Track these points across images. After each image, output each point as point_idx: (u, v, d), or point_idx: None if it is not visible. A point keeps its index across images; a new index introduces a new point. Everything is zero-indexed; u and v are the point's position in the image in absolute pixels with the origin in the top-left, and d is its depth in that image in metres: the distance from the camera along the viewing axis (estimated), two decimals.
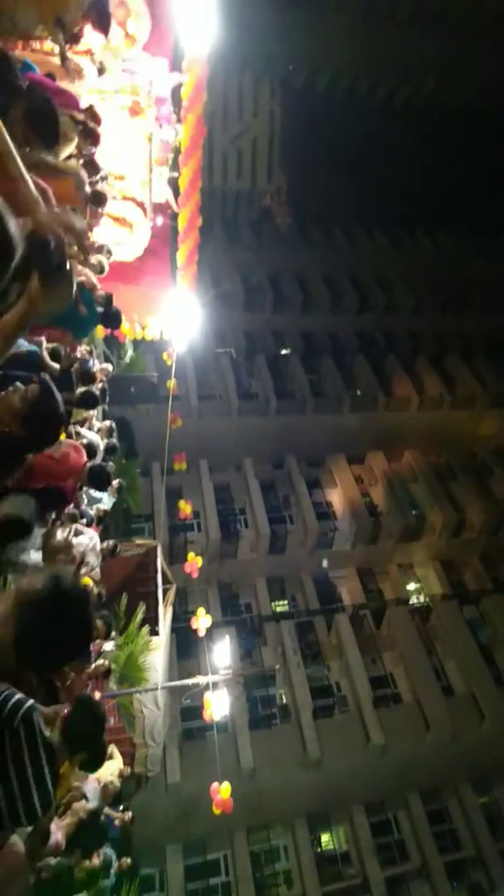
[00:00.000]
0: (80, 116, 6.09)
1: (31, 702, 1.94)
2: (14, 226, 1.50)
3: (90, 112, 6.39)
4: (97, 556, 6.88)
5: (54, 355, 5.61)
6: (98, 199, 5.87)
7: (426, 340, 30.13)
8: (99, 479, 5.15)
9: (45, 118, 3.36)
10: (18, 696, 1.92)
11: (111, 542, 8.27)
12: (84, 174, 5.21)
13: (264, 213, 34.15)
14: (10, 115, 3.22)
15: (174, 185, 9.41)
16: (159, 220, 9.67)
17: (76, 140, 5.98)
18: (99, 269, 7.07)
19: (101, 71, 6.69)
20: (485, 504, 24.89)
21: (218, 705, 10.76)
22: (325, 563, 23.28)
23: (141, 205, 9.07)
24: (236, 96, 32.27)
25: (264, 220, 33.86)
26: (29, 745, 1.86)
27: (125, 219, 8.95)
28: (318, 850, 18.10)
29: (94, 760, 2.64)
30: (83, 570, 6.09)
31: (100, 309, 6.41)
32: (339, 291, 29.86)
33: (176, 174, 9.37)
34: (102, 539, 7.55)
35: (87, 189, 5.41)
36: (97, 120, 6.44)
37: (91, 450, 5.52)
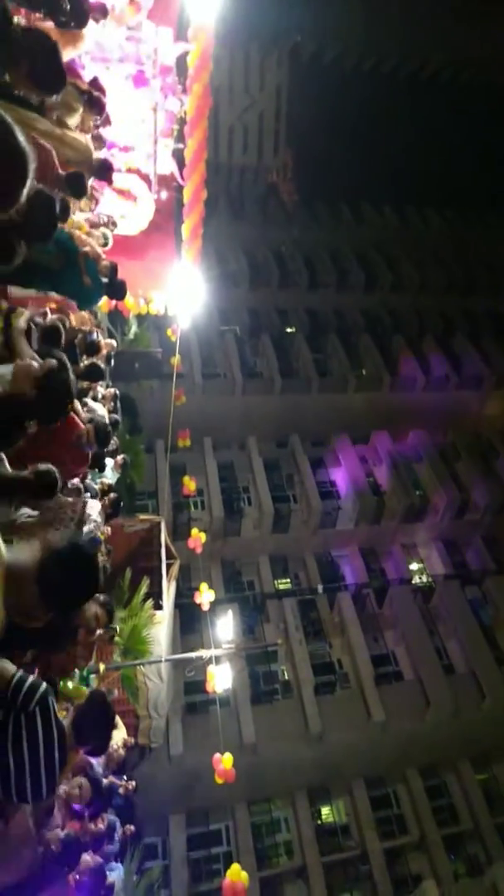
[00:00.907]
0: (84, 86, 6.02)
1: (45, 685, 2.06)
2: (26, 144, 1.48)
3: (94, 83, 6.30)
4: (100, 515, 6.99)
5: (57, 328, 5.58)
6: (103, 170, 5.77)
7: (433, 320, 29.84)
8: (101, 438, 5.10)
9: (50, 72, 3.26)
10: (32, 679, 2.03)
11: (113, 496, 8.29)
12: (92, 147, 5.13)
13: (270, 189, 33.64)
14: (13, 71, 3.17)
15: (179, 157, 9.27)
16: (164, 194, 9.56)
17: (80, 109, 5.91)
18: (103, 242, 7.03)
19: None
20: (489, 485, 24.86)
21: (221, 679, 10.89)
22: None
23: (146, 177, 8.95)
24: (243, 69, 31.59)
25: (270, 196, 33.34)
26: (44, 727, 1.99)
27: (130, 191, 8.86)
28: (319, 822, 18.41)
29: (100, 750, 2.72)
30: (90, 528, 6.20)
31: (104, 280, 6.38)
32: (346, 269, 29.50)
33: (181, 146, 9.22)
34: (111, 516, 7.61)
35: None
36: (101, 90, 6.36)
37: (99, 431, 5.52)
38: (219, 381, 24.21)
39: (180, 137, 9.23)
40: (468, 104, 33.69)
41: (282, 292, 28.24)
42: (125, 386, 14.10)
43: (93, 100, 6.04)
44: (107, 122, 7.31)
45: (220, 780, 9.58)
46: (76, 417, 4.70)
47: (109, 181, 5.73)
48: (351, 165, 31.93)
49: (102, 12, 5.95)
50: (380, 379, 26.00)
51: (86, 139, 5.40)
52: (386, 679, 20.15)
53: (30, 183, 1.53)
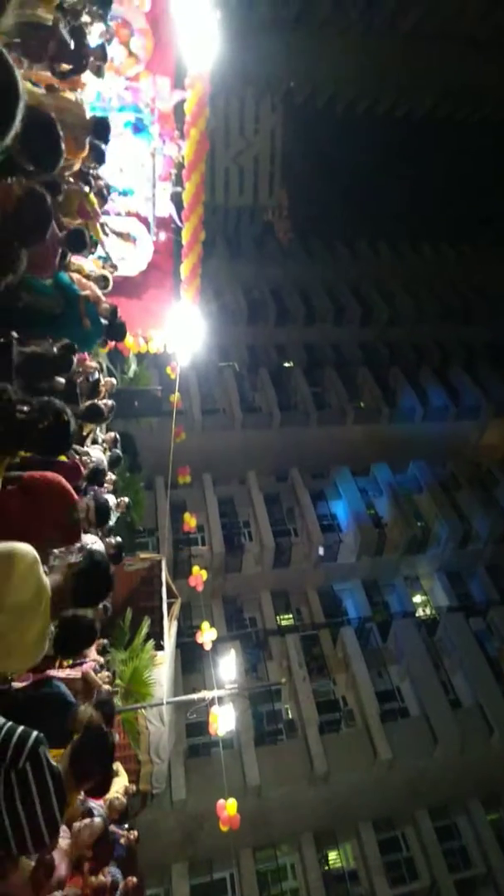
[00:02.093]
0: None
1: (35, 735, 2.03)
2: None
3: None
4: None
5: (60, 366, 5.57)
6: (101, 129, 5.73)
7: (429, 351, 30.20)
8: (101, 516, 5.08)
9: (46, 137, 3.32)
10: (20, 730, 2.00)
11: (116, 543, 8.20)
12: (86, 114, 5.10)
13: (266, 228, 34.51)
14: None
15: (177, 199, 9.51)
16: (162, 235, 9.79)
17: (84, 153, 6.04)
18: (103, 284, 7.12)
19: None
20: (490, 514, 24.77)
21: (223, 720, 10.66)
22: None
23: (144, 220, 9.19)
24: (238, 113, 32.81)
25: (266, 235, 34.20)
26: (37, 780, 1.97)
27: (129, 234, 9.06)
28: (326, 868, 17.78)
29: (102, 787, 2.64)
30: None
31: (104, 321, 6.44)
32: (342, 304, 30.00)
33: (179, 189, 9.47)
34: (114, 561, 7.53)
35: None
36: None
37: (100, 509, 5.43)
38: (218, 417, 24.35)
39: (178, 181, 9.50)
40: (460, 140, 34.72)
41: (279, 328, 28.67)
42: (125, 424, 14.16)
43: (93, 146, 6.20)
44: (101, 160, 7.43)
45: (224, 828, 9.28)
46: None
47: (106, 140, 5.75)
48: (345, 203, 32.79)
49: (102, 57, 6.16)
50: (378, 411, 26.16)
51: (76, 97, 5.35)
52: (392, 715, 19.72)
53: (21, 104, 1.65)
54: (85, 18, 5.97)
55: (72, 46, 4.95)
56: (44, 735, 2.06)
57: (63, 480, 3.42)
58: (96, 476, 6.46)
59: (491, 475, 27.01)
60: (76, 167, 6.30)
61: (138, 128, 8.88)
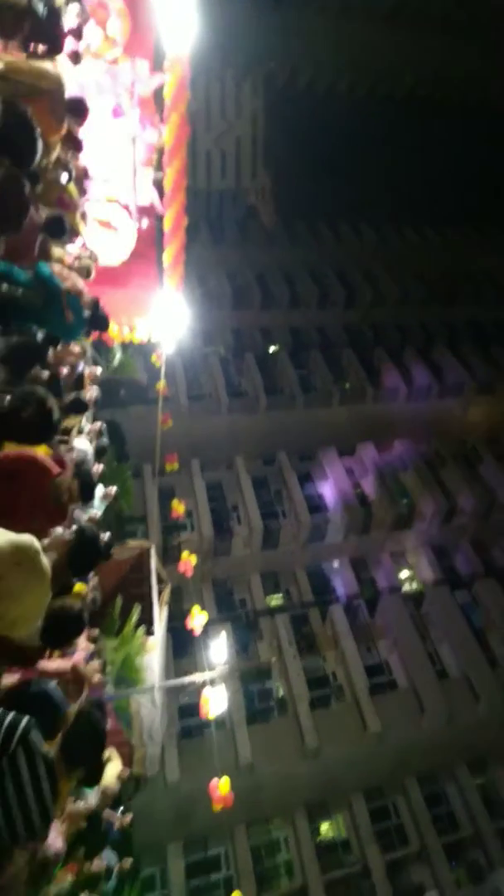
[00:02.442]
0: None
1: (26, 720, 2.01)
2: None
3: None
4: None
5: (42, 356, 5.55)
6: (77, 110, 5.65)
7: (413, 332, 30.34)
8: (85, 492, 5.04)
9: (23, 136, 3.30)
10: (11, 715, 1.98)
11: (105, 537, 8.22)
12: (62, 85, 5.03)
13: (250, 212, 34.22)
14: None
15: (159, 185, 9.37)
16: (144, 222, 9.67)
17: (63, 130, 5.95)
18: (86, 274, 7.05)
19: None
20: (474, 490, 25.22)
21: (215, 702, 10.83)
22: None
23: (126, 207, 9.06)
24: (219, 96, 32.33)
25: (250, 219, 33.93)
26: (29, 766, 1.94)
27: (110, 222, 8.94)
28: (318, 839, 18.33)
29: (94, 775, 2.68)
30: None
31: (87, 313, 6.40)
32: (326, 286, 29.96)
33: (160, 175, 9.32)
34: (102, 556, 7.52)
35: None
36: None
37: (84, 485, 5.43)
38: (204, 403, 24.39)
39: (159, 166, 9.34)
40: (441, 122, 34.52)
41: (264, 312, 28.61)
42: (111, 412, 14.09)
43: (70, 137, 6.11)
44: (79, 147, 7.36)
45: (217, 808, 9.49)
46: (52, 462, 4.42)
47: (83, 119, 5.69)
48: (328, 186, 32.60)
49: (77, 35, 6.03)
50: (363, 391, 26.30)
51: (55, 67, 5.29)
52: (381, 689, 20.26)
53: None
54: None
55: (47, 26, 4.84)
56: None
57: (39, 456, 3.45)
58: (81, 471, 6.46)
59: (475, 452, 27.40)
60: (54, 154, 6.21)
61: (118, 112, 8.74)
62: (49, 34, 5.12)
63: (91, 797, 6.31)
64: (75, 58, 6.32)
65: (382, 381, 27.28)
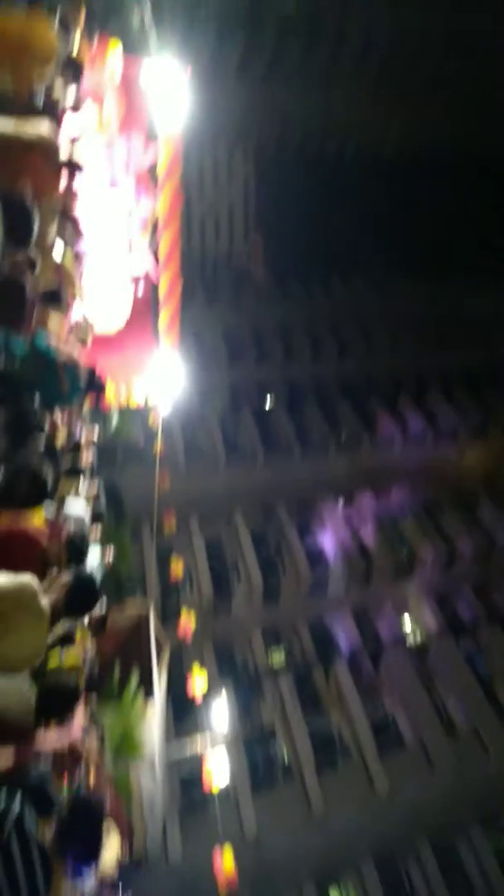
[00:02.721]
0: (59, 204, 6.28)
1: (17, 808, 1.95)
2: None
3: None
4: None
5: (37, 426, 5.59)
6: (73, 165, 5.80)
7: (406, 379, 30.78)
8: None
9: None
10: (4, 802, 1.93)
11: (101, 614, 8.08)
12: (55, 137, 5.13)
13: (243, 272, 35.32)
14: None
15: (154, 252, 9.61)
16: (140, 288, 9.86)
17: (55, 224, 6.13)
18: (82, 342, 7.15)
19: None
20: (473, 535, 25.17)
21: (218, 770, 10.45)
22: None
23: (122, 275, 9.26)
24: (211, 165, 33.98)
25: (243, 279, 34.98)
26: (23, 855, 1.92)
27: (107, 290, 9.12)
28: None
29: (90, 860, 2.59)
30: None
31: (83, 381, 6.45)
32: (319, 339, 30.57)
33: (155, 242, 9.58)
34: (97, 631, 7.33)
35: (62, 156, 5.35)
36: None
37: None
38: (202, 460, 24.59)
39: (154, 234, 9.59)
40: (426, 178, 36.03)
41: (259, 367, 29.29)
42: (109, 474, 14.08)
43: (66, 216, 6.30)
44: (78, 231, 7.60)
45: (223, 893, 9.02)
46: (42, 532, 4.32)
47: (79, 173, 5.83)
48: (319, 243, 33.76)
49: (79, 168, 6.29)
50: (359, 441, 26.44)
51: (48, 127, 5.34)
52: (388, 746, 19.73)
53: None
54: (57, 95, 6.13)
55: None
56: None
57: (28, 529, 3.59)
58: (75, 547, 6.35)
59: (473, 496, 27.35)
60: (52, 230, 6.39)
61: (113, 185, 9.02)
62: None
63: (89, 881, 5.96)
64: (77, 167, 6.59)
65: (378, 429, 27.51)
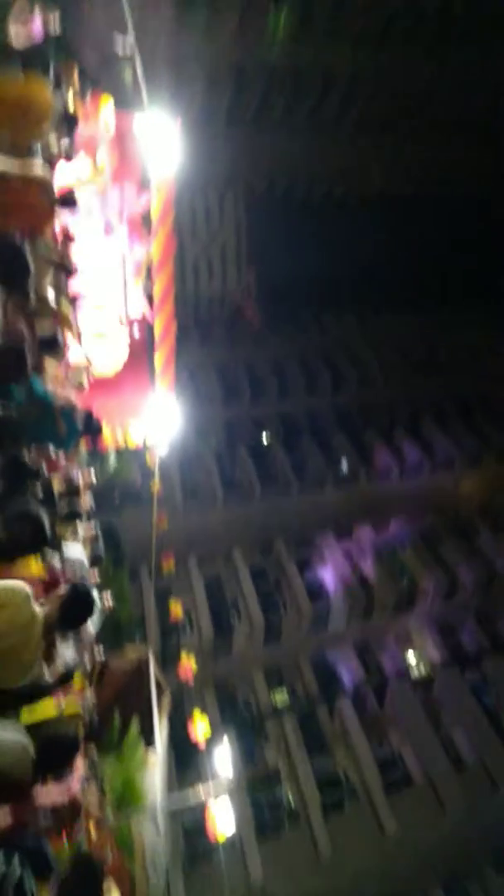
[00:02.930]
0: (55, 254, 6.41)
1: (17, 872, 1.93)
2: None
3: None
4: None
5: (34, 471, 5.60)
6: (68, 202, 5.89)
7: (400, 410, 31.00)
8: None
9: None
10: (3, 866, 1.92)
11: (99, 663, 7.96)
12: (51, 177, 5.23)
13: (236, 310, 36.02)
14: None
15: (149, 296, 9.78)
16: (136, 330, 10.01)
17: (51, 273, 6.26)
18: (79, 386, 7.21)
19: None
20: (473, 563, 25.05)
21: (222, 818, 10.14)
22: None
23: (117, 318, 9.41)
24: (203, 209, 34.99)
25: (237, 317, 35.72)
26: None
27: (103, 334, 9.26)
28: None
29: None
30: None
31: (80, 424, 6.49)
32: (313, 374, 30.87)
33: (150, 286, 9.76)
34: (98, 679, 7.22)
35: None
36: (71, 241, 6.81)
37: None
38: (200, 498, 24.55)
39: (149, 278, 9.78)
40: (411, 214, 37.11)
41: (255, 403, 29.53)
42: (106, 517, 14.01)
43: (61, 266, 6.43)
44: (74, 271, 7.74)
45: None
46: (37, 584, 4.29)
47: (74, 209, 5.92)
48: (310, 280, 34.50)
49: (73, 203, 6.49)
50: (356, 473, 26.46)
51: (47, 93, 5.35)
52: (395, 786, 19.36)
53: None
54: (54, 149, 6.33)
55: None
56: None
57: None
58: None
59: (472, 525, 27.29)
60: (48, 278, 6.51)
61: (108, 232, 9.25)
62: None
63: None
64: (71, 201, 6.77)
65: (374, 461, 27.59)
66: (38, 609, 2.89)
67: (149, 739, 10.92)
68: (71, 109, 7.46)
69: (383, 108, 32.56)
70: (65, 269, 6.91)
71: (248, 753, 19.12)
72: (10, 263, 3.67)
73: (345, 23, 28.37)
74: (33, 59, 6.06)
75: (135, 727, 10.41)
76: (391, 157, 34.86)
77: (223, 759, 11.45)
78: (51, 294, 6.63)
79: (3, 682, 2.77)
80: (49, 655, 3.18)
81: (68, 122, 7.13)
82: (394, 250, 36.73)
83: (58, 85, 6.97)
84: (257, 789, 17.88)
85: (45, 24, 6.51)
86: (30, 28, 6.32)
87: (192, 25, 26.26)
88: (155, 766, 10.66)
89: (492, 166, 36.90)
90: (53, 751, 2.96)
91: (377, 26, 28.82)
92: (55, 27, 6.69)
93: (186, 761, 17.00)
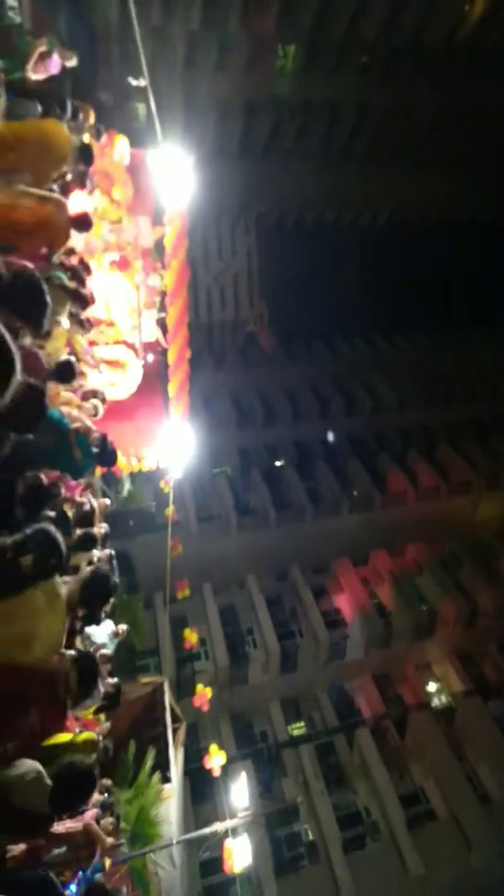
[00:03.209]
0: (71, 284, 6.55)
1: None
2: None
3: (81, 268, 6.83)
4: None
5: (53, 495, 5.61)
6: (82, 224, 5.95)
7: (414, 434, 30.85)
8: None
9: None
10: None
11: (114, 684, 7.82)
12: (64, 200, 5.32)
13: (249, 338, 36.46)
14: None
15: (163, 324, 9.92)
16: (150, 357, 10.12)
17: (67, 305, 6.39)
18: (94, 413, 7.26)
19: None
20: (494, 588, 24.48)
21: (240, 853, 9.86)
22: None
23: (132, 346, 9.53)
24: (215, 239, 35.77)
25: (250, 344, 36.13)
26: None
27: (118, 361, 9.38)
28: None
29: None
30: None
31: (95, 450, 6.51)
32: (326, 399, 30.91)
33: (163, 314, 9.90)
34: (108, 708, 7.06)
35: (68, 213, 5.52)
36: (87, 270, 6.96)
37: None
38: (214, 524, 24.38)
39: (163, 307, 9.94)
40: (419, 239, 37.64)
41: (268, 429, 29.50)
42: (121, 543, 14.01)
43: (77, 294, 6.54)
44: (90, 301, 7.86)
45: None
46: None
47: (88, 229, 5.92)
48: (321, 306, 34.97)
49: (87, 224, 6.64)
50: (371, 498, 26.31)
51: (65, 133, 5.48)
52: (419, 821, 18.77)
53: (15, 380, 1.84)
54: (68, 177, 6.50)
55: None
56: None
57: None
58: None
59: (491, 549, 26.81)
60: (64, 311, 6.62)
61: (122, 264, 9.44)
62: None
63: None
64: (85, 222, 6.93)
65: (389, 485, 27.33)
66: (63, 588, 3.18)
67: (164, 771, 10.74)
68: (87, 144, 7.67)
69: (390, 137, 33.27)
70: (81, 298, 7.02)
71: (266, 786, 18.71)
72: (27, 299, 3.74)
73: (351, 57, 29.21)
74: (51, 97, 6.26)
75: (150, 759, 10.27)
76: (399, 183, 35.48)
77: (240, 792, 11.17)
78: (66, 322, 6.76)
79: (32, 653, 2.92)
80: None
81: (84, 156, 7.32)
82: (403, 274, 37.14)
83: (75, 126, 7.17)
84: (275, 824, 17.44)
85: (63, 63, 6.75)
86: (48, 67, 6.56)
87: (204, 62, 27.10)
88: (170, 798, 10.45)
89: (497, 192, 37.51)
90: (70, 783, 2.88)
91: (382, 60, 29.61)
92: (72, 66, 6.94)
93: (202, 793, 16.73)
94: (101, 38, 19.80)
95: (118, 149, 9.21)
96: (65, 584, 3.28)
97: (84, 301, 7.06)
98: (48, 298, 3.83)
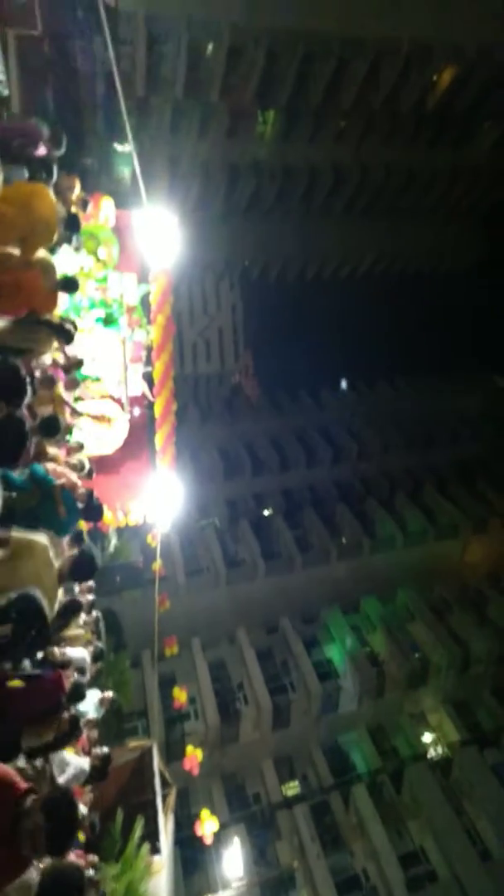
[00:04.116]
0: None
1: None
2: None
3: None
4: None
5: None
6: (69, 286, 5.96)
7: (401, 479, 30.97)
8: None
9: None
10: None
11: (102, 756, 7.51)
12: (53, 264, 5.36)
13: (234, 389, 37.05)
14: None
15: (149, 378, 10.00)
16: (136, 411, 10.17)
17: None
18: (80, 468, 7.22)
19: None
20: (486, 633, 24.25)
21: None
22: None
23: (118, 401, 9.58)
24: (200, 294, 36.84)
25: (235, 395, 36.76)
26: None
27: (104, 416, 9.41)
28: None
29: None
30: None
31: (80, 506, 6.45)
32: (312, 447, 31.12)
33: (149, 368, 10.00)
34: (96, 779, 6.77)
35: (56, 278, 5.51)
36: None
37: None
38: (202, 577, 24.09)
39: (149, 362, 10.04)
40: (399, 290, 38.93)
41: (255, 479, 29.71)
42: (108, 600, 13.69)
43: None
44: (77, 364, 7.95)
45: None
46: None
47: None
48: (304, 357, 35.94)
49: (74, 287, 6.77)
50: (360, 544, 26.15)
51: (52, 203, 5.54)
52: (419, 883, 17.97)
53: None
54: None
55: None
56: None
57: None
58: (77, 692, 5.98)
59: (480, 593, 26.66)
60: (48, 356, 6.67)
61: (108, 321, 9.58)
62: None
63: None
64: (72, 285, 7.05)
65: (377, 531, 27.26)
66: (56, 560, 3.70)
67: (154, 843, 10.20)
68: (73, 211, 7.87)
69: (367, 195, 34.76)
70: (68, 361, 7.12)
71: (260, 851, 17.84)
72: (7, 386, 3.86)
73: (328, 122, 30.74)
74: (39, 162, 6.44)
75: (139, 829, 9.76)
76: (377, 238, 36.90)
77: (233, 860, 10.64)
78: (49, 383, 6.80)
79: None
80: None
81: (70, 223, 7.49)
82: (383, 324, 38.24)
83: (61, 192, 7.37)
84: (271, 893, 16.54)
85: (51, 140, 6.99)
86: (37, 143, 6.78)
87: (187, 129, 28.38)
88: (160, 871, 9.91)
89: (472, 243, 39.07)
90: (57, 891, 2.62)
91: (358, 125, 31.19)
92: (59, 142, 7.17)
93: (194, 862, 15.89)
94: (86, 108, 20.69)
95: (104, 210, 9.49)
96: (59, 559, 3.95)
97: (72, 363, 7.16)
98: (27, 386, 3.90)
